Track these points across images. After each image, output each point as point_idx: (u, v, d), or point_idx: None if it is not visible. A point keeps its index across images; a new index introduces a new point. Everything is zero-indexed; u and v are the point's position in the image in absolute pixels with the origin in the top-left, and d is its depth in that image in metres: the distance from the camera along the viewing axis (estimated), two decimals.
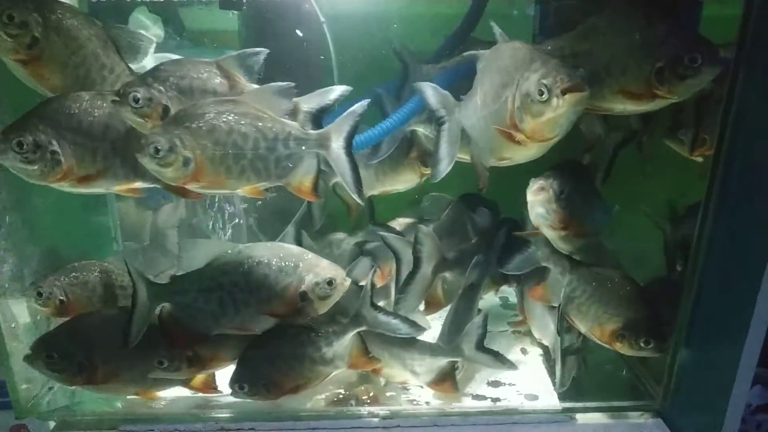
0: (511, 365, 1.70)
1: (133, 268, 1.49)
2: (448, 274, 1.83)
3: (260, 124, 1.37)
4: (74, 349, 1.58)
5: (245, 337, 1.61)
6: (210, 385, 1.68)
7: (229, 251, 1.53)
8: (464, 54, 1.57)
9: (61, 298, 1.71)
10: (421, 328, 1.61)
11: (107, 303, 1.77)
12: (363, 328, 1.60)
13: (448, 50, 1.78)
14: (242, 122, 1.35)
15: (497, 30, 1.49)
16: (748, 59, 1.39)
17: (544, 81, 1.24)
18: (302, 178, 1.44)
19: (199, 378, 1.65)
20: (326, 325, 1.61)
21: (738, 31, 1.39)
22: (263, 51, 1.47)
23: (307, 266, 1.53)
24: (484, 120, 1.45)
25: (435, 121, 1.58)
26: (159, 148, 1.30)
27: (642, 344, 1.58)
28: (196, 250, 1.54)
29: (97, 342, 1.60)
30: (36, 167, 1.38)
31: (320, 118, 1.48)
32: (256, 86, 1.46)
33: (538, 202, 1.55)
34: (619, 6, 1.46)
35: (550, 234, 1.64)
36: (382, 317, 1.57)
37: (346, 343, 1.61)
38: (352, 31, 1.95)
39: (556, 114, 1.25)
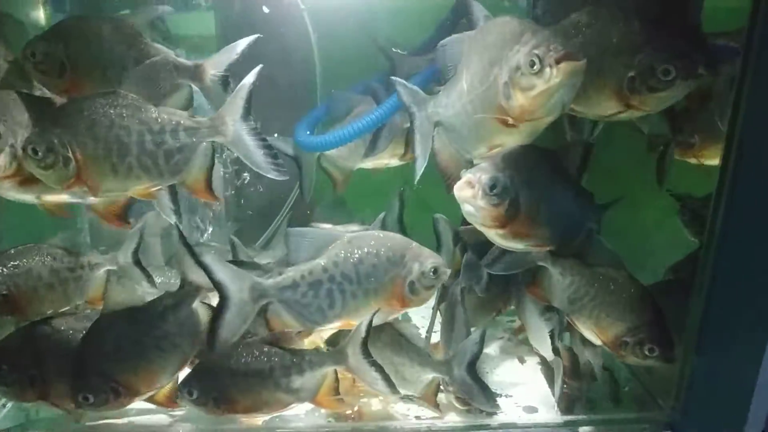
0: (494, 405, 1.63)
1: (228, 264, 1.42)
2: None
3: (143, 115, 1.31)
4: (26, 360, 1.48)
5: (179, 361, 1.54)
6: (174, 398, 1.57)
7: (337, 241, 1.49)
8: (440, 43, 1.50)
9: (4, 292, 1.56)
10: (396, 392, 1.53)
11: (57, 290, 1.64)
12: (342, 367, 1.51)
13: (437, 41, 1.68)
14: (124, 114, 1.30)
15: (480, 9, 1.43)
16: (756, 54, 1.31)
17: (536, 51, 1.17)
18: (197, 176, 1.38)
19: (163, 392, 1.55)
20: (304, 352, 1.51)
21: (747, 21, 1.31)
22: (166, 8, 1.54)
23: (413, 255, 1.50)
24: (471, 105, 1.37)
25: (408, 117, 1.54)
26: (37, 149, 1.27)
27: (646, 352, 1.51)
28: (306, 241, 1.48)
29: (52, 353, 1.50)
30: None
31: (228, 79, 1.45)
32: (159, 46, 1.47)
33: (463, 198, 1.38)
34: (605, 2, 1.39)
35: (486, 233, 1.48)
36: (366, 366, 1.47)
37: (318, 376, 1.51)
38: (335, 20, 1.95)
39: (549, 87, 1.17)
